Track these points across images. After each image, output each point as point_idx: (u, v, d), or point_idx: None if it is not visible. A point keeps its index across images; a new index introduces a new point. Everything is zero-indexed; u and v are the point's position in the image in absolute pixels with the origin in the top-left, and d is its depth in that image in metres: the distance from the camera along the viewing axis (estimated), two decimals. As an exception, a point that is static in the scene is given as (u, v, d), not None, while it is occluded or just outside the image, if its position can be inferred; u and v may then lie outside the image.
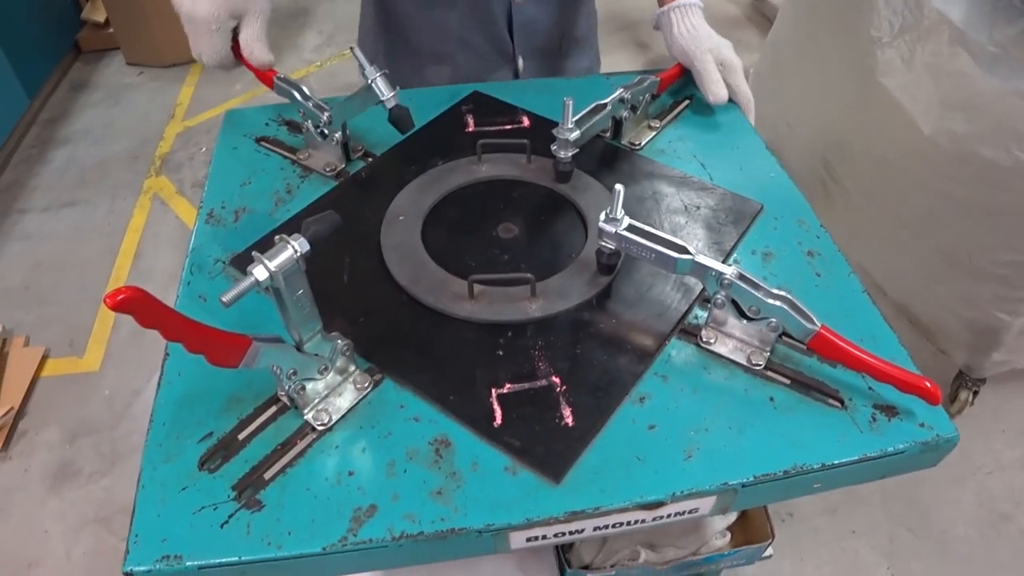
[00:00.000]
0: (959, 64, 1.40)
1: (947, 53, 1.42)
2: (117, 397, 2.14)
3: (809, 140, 1.99)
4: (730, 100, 1.07)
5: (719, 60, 1.06)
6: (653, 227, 0.75)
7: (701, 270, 0.73)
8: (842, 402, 0.72)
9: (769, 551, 1.14)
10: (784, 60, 2.10)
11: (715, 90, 1.06)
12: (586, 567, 1.09)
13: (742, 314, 0.74)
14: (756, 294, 0.71)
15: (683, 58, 1.09)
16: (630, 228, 0.75)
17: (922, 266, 1.74)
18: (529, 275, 0.79)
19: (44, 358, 2.24)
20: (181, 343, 0.59)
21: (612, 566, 1.07)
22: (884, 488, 1.84)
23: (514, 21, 1.23)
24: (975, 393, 1.94)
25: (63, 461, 1.98)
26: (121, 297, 0.51)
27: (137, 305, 0.53)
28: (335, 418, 0.71)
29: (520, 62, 1.29)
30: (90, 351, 2.27)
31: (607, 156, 1.02)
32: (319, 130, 0.97)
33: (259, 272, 0.60)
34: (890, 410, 0.72)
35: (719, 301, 0.74)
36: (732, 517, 1.15)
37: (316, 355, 0.69)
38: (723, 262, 0.73)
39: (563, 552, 1.08)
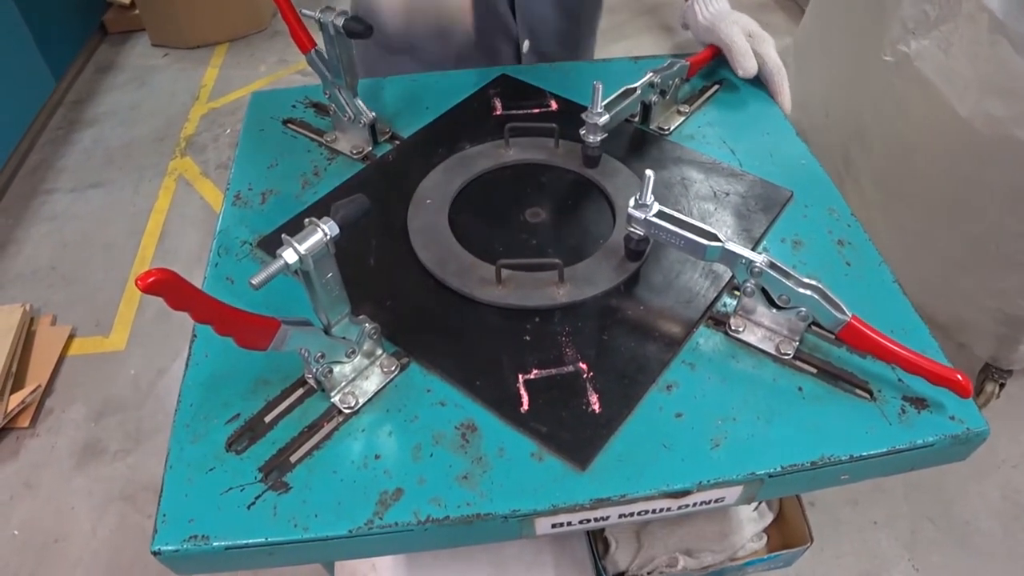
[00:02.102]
0: (999, 51, 1.38)
1: (986, 41, 1.40)
2: (142, 376, 2.17)
3: (829, 133, 1.96)
4: (758, 79, 1.06)
5: (746, 32, 1.05)
6: (682, 213, 0.74)
7: (731, 258, 0.72)
8: (871, 393, 0.72)
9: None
10: (810, 52, 2.07)
11: (744, 63, 1.04)
12: (622, 574, 1.09)
13: (771, 303, 0.73)
14: (787, 283, 0.70)
15: (709, 36, 1.08)
16: (659, 214, 0.74)
17: (944, 257, 1.72)
18: (557, 260, 0.78)
19: (71, 337, 2.26)
20: (210, 325, 0.59)
21: (649, 574, 1.07)
22: (907, 479, 1.82)
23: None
24: (1001, 385, 1.91)
25: (89, 439, 2.01)
26: (152, 279, 0.51)
27: (168, 287, 0.53)
28: (362, 401, 0.71)
29: (526, 45, 1.21)
30: (116, 330, 2.29)
31: (635, 141, 1.01)
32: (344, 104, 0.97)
33: (289, 255, 0.60)
34: (920, 402, 0.71)
35: (748, 289, 0.73)
36: (768, 520, 1.14)
37: (344, 338, 0.69)
38: (752, 250, 0.72)
39: (599, 559, 1.07)
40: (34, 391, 2.05)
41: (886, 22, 1.65)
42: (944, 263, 1.72)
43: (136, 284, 0.51)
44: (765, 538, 1.14)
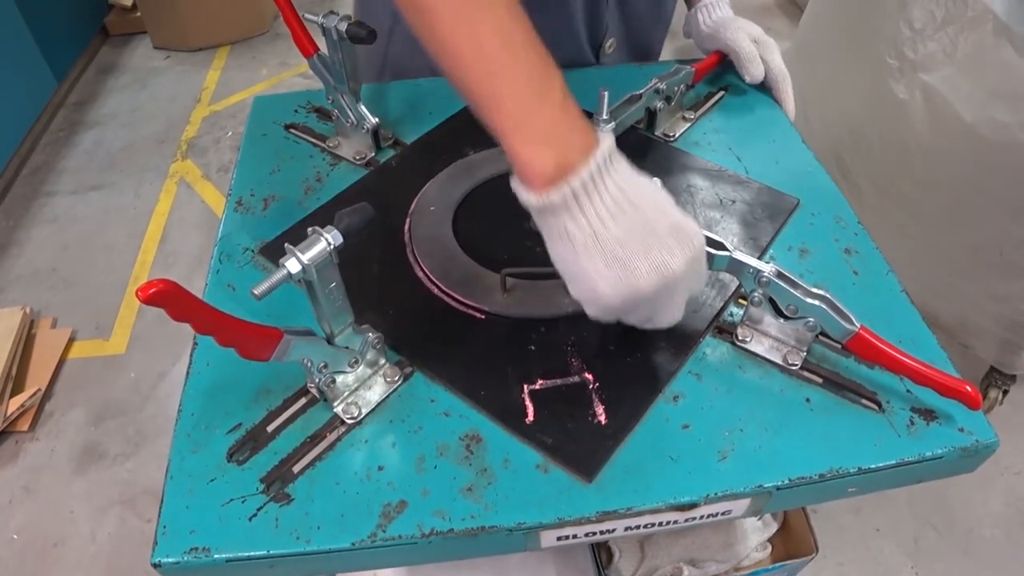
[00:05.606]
0: (1003, 55, 1.38)
1: (991, 44, 1.40)
2: (142, 380, 2.16)
3: (825, 136, 1.95)
4: (764, 84, 1.06)
5: (752, 37, 1.05)
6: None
7: (738, 267, 0.71)
8: (879, 405, 0.71)
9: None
10: (806, 55, 2.06)
11: (751, 69, 1.04)
12: None
13: (779, 312, 0.72)
14: (795, 293, 0.69)
15: (712, 43, 1.07)
16: (666, 223, 0.73)
17: (945, 262, 1.71)
18: (563, 269, 0.78)
19: (71, 340, 2.25)
20: (212, 336, 0.58)
21: (653, 583, 1.06)
22: (910, 487, 1.81)
23: None
24: (1005, 392, 1.91)
25: (89, 443, 2.00)
26: (153, 291, 0.50)
27: (169, 298, 0.52)
28: (365, 412, 0.70)
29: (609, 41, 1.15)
30: (116, 334, 2.29)
31: (641, 148, 1.00)
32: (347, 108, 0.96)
33: (292, 265, 0.59)
34: (928, 414, 0.70)
35: (756, 299, 0.72)
36: (773, 529, 1.13)
37: (347, 348, 0.69)
38: (759, 258, 0.71)
39: (602, 568, 1.06)
40: (34, 395, 2.05)
41: (890, 24, 1.64)
42: (947, 267, 1.71)
43: (137, 295, 0.51)
44: (770, 548, 1.13)
